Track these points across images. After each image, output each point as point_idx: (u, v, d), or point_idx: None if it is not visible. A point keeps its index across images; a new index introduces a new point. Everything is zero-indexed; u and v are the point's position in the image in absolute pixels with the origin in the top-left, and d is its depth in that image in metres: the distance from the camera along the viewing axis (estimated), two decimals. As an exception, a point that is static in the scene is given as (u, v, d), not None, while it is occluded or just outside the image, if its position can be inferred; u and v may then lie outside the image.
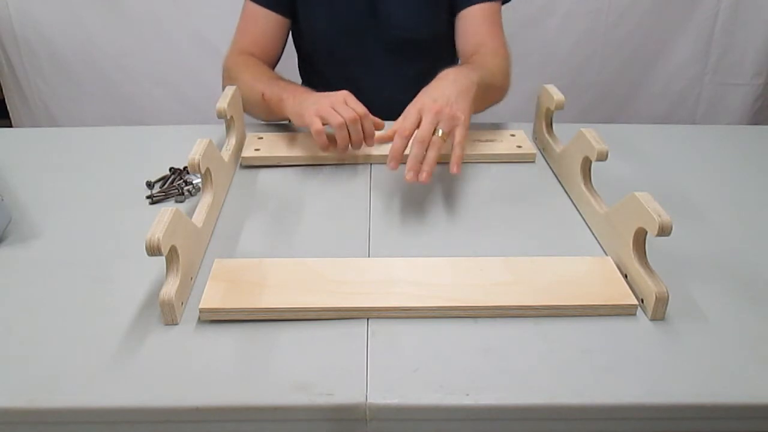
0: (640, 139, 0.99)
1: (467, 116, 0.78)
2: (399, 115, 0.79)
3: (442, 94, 0.78)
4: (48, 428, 0.53)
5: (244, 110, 0.96)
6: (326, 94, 0.86)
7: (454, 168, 0.75)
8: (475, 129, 0.97)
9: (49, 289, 0.64)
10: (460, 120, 0.77)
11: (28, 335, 0.58)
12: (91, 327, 0.59)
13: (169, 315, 0.59)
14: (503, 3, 1.08)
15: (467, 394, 0.52)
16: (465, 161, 0.89)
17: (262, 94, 0.93)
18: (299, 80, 1.22)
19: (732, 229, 0.76)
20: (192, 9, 1.70)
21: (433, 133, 0.75)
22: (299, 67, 1.23)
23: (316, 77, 1.18)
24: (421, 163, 0.74)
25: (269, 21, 1.05)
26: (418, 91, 0.81)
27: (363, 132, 0.84)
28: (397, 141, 0.76)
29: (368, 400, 0.52)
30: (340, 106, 0.83)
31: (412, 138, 0.75)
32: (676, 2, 1.71)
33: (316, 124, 0.82)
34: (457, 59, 1.10)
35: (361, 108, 0.84)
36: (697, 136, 1.02)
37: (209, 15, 1.70)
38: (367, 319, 0.60)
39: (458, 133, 0.76)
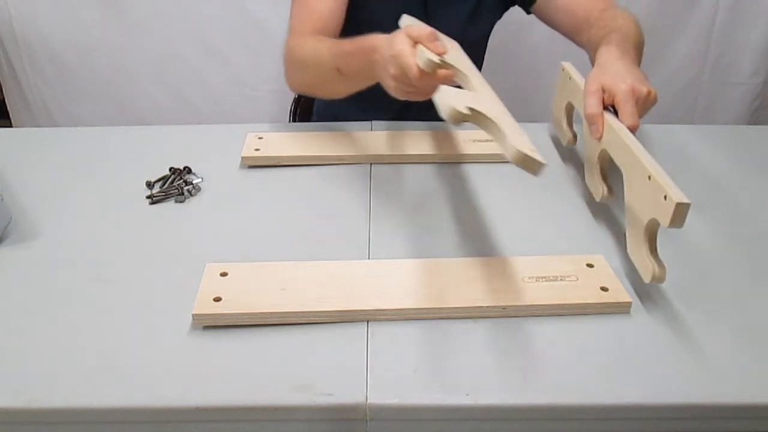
0: (638, 138, 0.99)
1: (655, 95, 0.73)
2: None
3: (627, 72, 0.72)
4: (48, 428, 0.53)
5: (311, 89, 0.92)
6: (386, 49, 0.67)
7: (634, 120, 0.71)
8: (475, 128, 0.97)
9: (49, 289, 0.64)
10: (653, 100, 0.73)
11: (28, 335, 0.58)
12: (91, 327, 0.59)
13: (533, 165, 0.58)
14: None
15: (467, 394, 0.52)
16: (464, 161, 0.89)
17: (337, 69, 0.80)
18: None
19: (732, 229, 0.76)
20: (192, 9, 1.70)
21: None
22: None
23: None
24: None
25: (330, 2, 0.96)
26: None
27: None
28: (593, 102, 0.72)
29: (368, 400, 0.52)
30: (391, 65, 0.65)
31: (622, 94, 0.70)
32: (675, 2, 1.71)
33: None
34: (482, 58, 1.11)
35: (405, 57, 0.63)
36: (695, 135, 1.02)
37: (209, 15, 1.70)
38: (367, 322, 0.60)
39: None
